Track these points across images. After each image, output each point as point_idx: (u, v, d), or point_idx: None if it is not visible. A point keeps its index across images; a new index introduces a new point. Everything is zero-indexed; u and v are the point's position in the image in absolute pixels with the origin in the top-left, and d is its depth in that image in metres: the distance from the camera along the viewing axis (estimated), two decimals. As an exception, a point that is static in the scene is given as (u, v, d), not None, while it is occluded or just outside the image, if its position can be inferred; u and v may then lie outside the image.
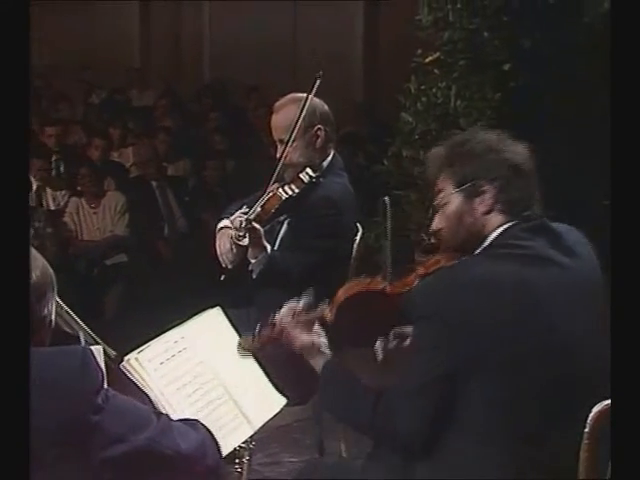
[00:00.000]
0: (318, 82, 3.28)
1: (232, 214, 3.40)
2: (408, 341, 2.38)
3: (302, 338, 2.29)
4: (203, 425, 2.05)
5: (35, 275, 1.79)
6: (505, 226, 2.15)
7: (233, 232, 3.29)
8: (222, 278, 3.33)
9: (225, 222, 3.43)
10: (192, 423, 2.03)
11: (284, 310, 2.34)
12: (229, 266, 3.35)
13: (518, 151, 2.19)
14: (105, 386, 1.80)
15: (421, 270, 2.26)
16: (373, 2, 9.35)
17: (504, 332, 2.01)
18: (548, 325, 2.04)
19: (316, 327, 2.33)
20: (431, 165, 2.27)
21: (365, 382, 2.21)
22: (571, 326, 2.05)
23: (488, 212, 2.15)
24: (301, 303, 2.35)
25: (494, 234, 2.15)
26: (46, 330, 1.84)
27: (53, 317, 1.87)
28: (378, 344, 2.48)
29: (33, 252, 1.82)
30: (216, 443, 2.04)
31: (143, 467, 1.85)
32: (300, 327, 2.30)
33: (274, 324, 2.34)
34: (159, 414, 1.96)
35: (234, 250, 3.32)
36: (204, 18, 10.53)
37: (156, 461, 1.85)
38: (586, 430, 1.95)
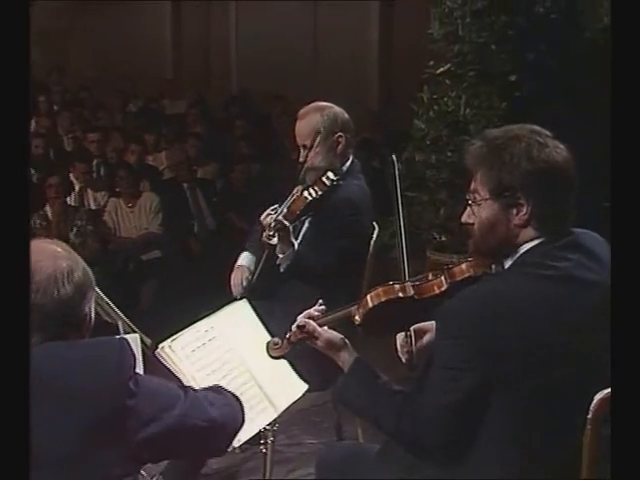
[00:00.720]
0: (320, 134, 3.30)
1: (252, 246, 3.48)
2: (425, 339, 2.33)
3: (327, 334, 2.19)
4: (225, 389, 2.02)
5: (77, 276, 1.78)
6: (537, 241, 1.98)
7: (264, 233, 3.29)
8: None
9: (243, 258, 3.49)
10: (215, 389, 2.00)
11: (305, 313, 2.25)
12: (237, 297, 3.37)
13: (559, 160, 1.98)
14: (136, 371, 1.79)
15: (449, 276, 2.12)
16: (388, 3, 9.28)
17: (530, 355, 1.89)
18: (576, 347, 1.92)
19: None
20: (470, 159, 2.05)
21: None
22: (600, 345, 1.90)
23: (523, 226, 1.98)
24: (313, 310, 2.26)
25: (525, 247, 1.99)
26: (87, 327, 1.83)
27: (93, 314, 1.86)
28: (399, 346, 2.32)
29: (73, 254, 1.82)
30: (240, 403, 2.00)
31: (180, 442, 1.84)
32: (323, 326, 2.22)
33: (302, 325, 2.22)
34: (185, 388, 1.94)
35: (244, 284, 3.40)
36: (230, 21, 10.55)
37: (192, 434, 1.84)
38: (589, 417, 1.88)
